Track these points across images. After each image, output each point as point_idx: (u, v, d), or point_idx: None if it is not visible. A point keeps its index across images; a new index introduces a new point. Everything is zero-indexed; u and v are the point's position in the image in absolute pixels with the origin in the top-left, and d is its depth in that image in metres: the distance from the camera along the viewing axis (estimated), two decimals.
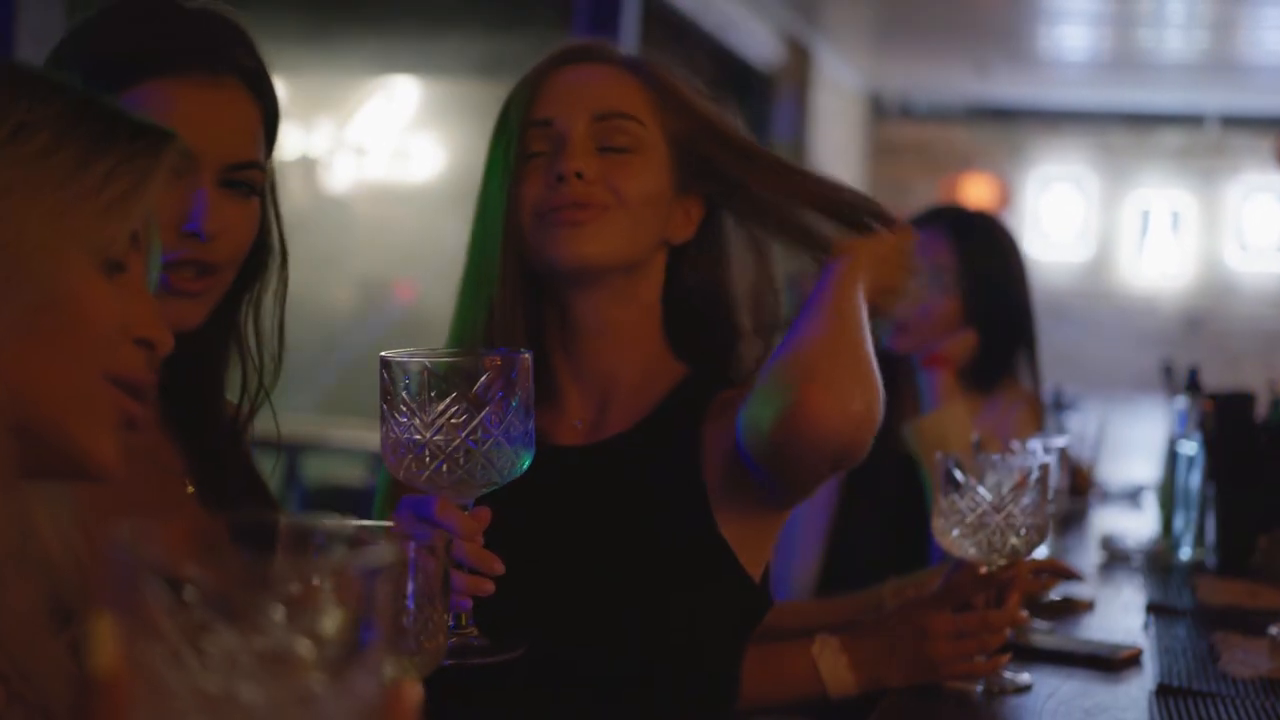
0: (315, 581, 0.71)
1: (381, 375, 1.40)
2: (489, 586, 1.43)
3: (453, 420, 1.37)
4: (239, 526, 0.77)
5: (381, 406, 1.40)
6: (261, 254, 1.60)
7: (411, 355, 1.40)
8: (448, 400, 1.37)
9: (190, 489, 1.56)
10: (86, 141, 1.13)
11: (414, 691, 0.77)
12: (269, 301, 1.63)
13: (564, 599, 1.69)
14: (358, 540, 0.75)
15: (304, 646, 0.71)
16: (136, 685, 0.72)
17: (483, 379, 1.38)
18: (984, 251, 3.06)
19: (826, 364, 1.62)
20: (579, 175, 1.72)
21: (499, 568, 1.43)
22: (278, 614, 0.71)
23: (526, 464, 1.43)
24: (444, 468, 1.38)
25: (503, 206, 1.77)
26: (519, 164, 1.76)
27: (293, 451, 6.48)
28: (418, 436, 1.38)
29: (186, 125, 1.46)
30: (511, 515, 1.73)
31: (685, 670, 1.71)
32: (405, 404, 1.38)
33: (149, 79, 1.47)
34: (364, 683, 0.73)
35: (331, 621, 0.71)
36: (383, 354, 1.41)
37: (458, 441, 1.38)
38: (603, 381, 1.79)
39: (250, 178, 1.52)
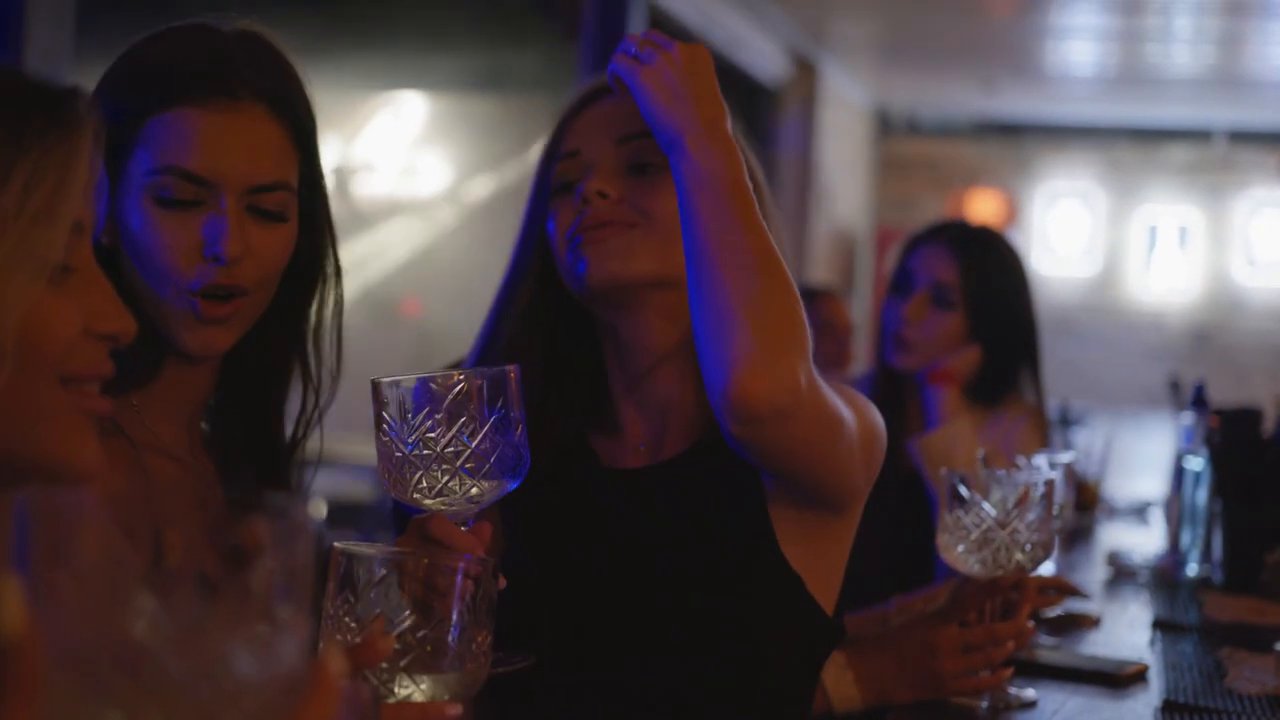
0: (238, 549, 0.71)
1: (372, 398, 1.43)
2: None
3: (429, 435, 1.40)
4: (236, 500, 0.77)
5: (373, 429, 1.43)
6: (316, 271, 1.62)
7: (395, 377, 1.43)
8: (422, 416, 1.40)
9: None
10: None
11: (339, 664, 0.77)
12: (327, 319, 1.64)
13: (624, 623, 1.69)
14: (289, 512, 0.74)
15: (227, 610, 0.71)
16: (50, 648, 0.70)
17: (461, 394, 1.40)
18: (988, 267, 3.06)
19: (745, 336, 1.55)
20: (602, 195, 1.72)
21: (500, 583, 1.44)
22: (202, 579, 0.70)
23: (519, 479, 1.44)
24: (424, 483, 1.40)
25: (535, 239, 1.79)
26: (551, 198, 1.79)
27: (301, 467, 6.47)
28: (401, 454, 1.41)
29: (206, 151, 1.48)
30: (569, 539, 1.73)
31: (750, 698, 1.70)
32: (389, 424, 1.41)
33: (170, 107, 1.48)
34: (285, 648, 0.72)
35: (253, 587, 0.71)
36: (372, 378, 1.44)
37: (437, 458, 1.39)
38: (662, 404, 1.78)
39: (277, 200, 1.52)
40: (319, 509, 1.05)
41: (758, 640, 1.69)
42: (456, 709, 1.25)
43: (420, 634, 1.24)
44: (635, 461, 1.78)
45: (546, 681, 1.64)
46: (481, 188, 6.92)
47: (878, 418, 1.76)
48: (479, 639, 1.27)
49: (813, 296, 4.05)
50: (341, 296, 1.64)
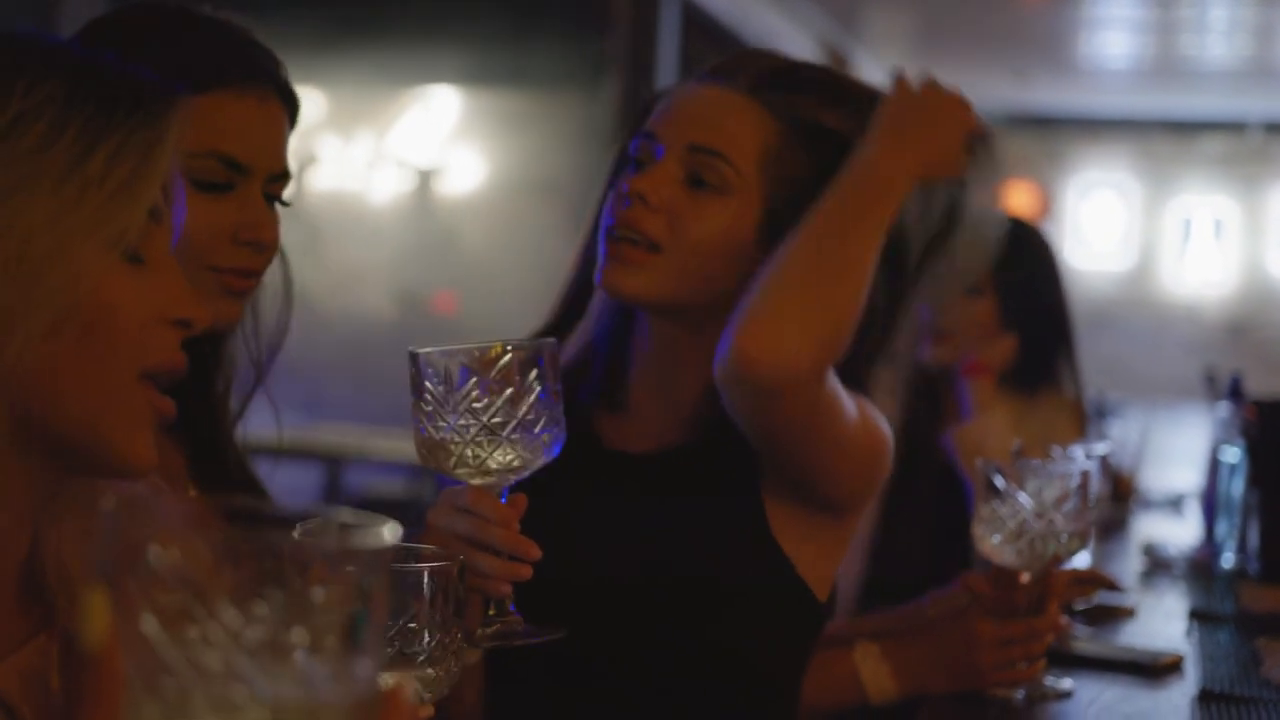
0: (313, 566, 0.70)
1: (410, 370, 1.43)
2: (526, 572, 1.43)
3: (474, 406, 1.40)
4: (233, 513, 0.76)
5: (411, 400, 1.43)
6: None
7: (437, 348, 1.43)
8: (469, 387, 1.40)
9: (192, 492, 1.58)
10: (85, 123, 1.07)
11: (409, 691, 0.76)
12: (266, 299, 1.65)
13: (618, 608, 1.69)
14: (348, 528, 0.74)
15: (302, 629, 0.70)
16: (131, 660, 0.70)
17: (503, 365, 1.40)
18: (1016, 252, 3.05)
19: (773, 292, 1.55)
20: (643, 199, 1.66)
21: (535, 553, 1.43)
22: (277, 597, 0.70)
23: (555, 451, 1.44)
24: (469, 454, 1.40)
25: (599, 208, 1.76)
26: (621, 170, 1.74)
27: (335, 463, 6.50)
28: (443, 424, 1.41)
29: (240, 139, 1.50)
30: (567, 521, 1.72)
31: (740, 682, 1.70)
32: (431, 394, 1.41)
33: (206, 91, 1.49)
34: (361, 670, 0.72)
35: (329, 606, 0.71)
36: (410, 348, 1.44)
37: (480, 428, 1.40)
38: (676, 397, 1.77)
39: (284, 188, 1.57)
40: (394, 531, 1.05)
41: (748, 622, 1.69)
42: (429, 711, 1.25)
43: (390, 635, 1.23)
44: (640, 446, 1.77)
45: (534, 659, 1.61)
46: (511, 181, 6.94)
47: (887, 432, 1.71)
48: (448, 639, 1.27)
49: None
50: (290, 279, 1.66)
